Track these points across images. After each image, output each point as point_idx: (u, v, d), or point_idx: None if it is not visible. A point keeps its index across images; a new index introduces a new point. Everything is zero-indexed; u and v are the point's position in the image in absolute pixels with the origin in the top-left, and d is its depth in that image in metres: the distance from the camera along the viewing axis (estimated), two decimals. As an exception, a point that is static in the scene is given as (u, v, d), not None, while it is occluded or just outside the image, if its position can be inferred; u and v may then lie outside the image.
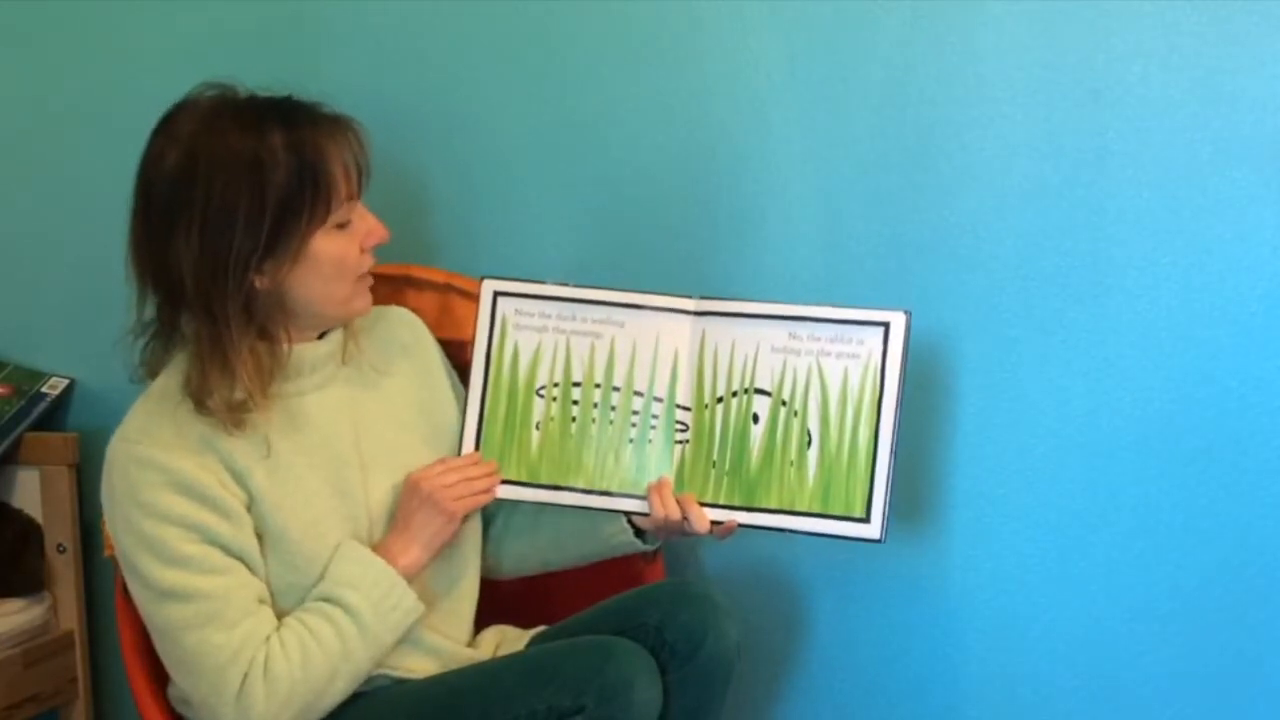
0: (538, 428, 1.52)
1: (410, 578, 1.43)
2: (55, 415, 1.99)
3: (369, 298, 1.46)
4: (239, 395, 1.37)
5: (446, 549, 1.49)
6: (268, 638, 1.37)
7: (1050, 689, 1.71)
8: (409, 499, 1.46)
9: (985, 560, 1.72)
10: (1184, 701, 1.67)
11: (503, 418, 1.52)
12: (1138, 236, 1.62)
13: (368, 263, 1.43)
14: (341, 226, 1.40)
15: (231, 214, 1.33)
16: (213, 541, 1.37)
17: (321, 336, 1.47)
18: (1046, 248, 1.65)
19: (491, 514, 1.60)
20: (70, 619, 1.95)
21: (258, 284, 1.37)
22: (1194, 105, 1.59)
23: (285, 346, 1.42)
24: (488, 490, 1.50)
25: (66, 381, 1.99)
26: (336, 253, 1.39)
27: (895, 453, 1.47)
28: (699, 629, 1.42)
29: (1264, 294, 1.60)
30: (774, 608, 1.79)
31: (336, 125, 1.40)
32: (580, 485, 1.51)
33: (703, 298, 1.53)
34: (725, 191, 1.74)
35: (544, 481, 1.52)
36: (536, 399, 1.52)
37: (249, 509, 1.40)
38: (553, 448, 1.52)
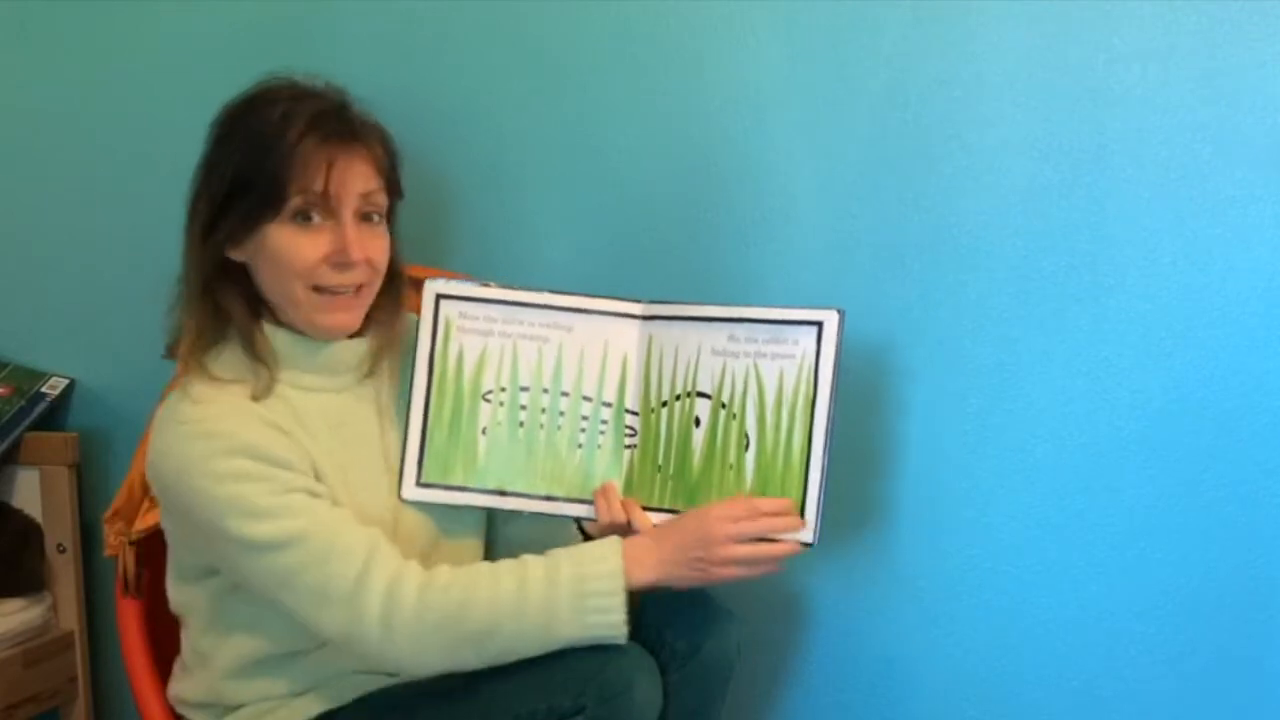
0: (484, 432, 1.49)
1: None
2: (55, 415, 1.99)
3: (341, 317, 1.41)
4: (209, 356, 1.40)
5: (450, 551, 1.49)
6: (403, 560, 1.35)
7: (1050, 689, 1.71)
8: (695, 528, 1.37)
9: (985, 559, 1.72)
10: (1184, 701, 1.67)
11: (448, 422, 1.49)
12: (1138, 236, 1.62)
13: (334, 278, 1.38)
14: (303, 226, 1.37)
15: (209, 177, 1.39)
16: (291, 489, 1.35)
17: (353, 337, 1.46)
18: (1046, 248, 1.65)
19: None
20: (70, 619, 1.95)
21: (230, 253, 1.40)
22: (1194, 105, 1.59)
23: (246, 324, 1.40)
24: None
25: (66, 381, 1.99)
26: (284, 248, 1.37)
27: (829, 454, 1.42)
28: (699, 629, 1.42)
29: (1264, 294, 1.60)
30: (774, 608, 1.79)
31: (327, 131, 1.37)
32: (527, 490, 1.49)
33: (650, 302, 1.51)
34: (725, 192, 1.74)
35: (491, 487, 1.49)
36: (483, 403, 1.50)
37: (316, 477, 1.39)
38: (500, 452, 1.49)
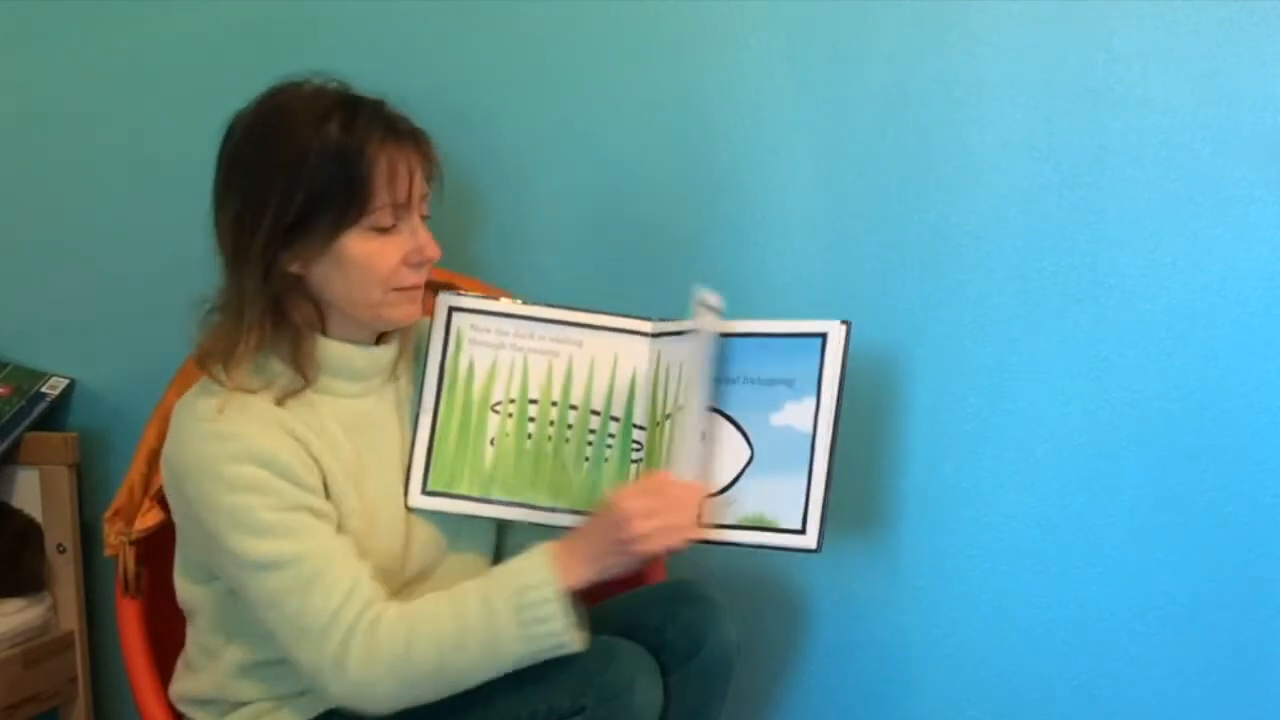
0: (492, 444, 1.49)
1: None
2: (55, 415, 1.99)
3: (412, 309, 1.43)
4: (244, 367, 1.38)
5: (458, 563, 1.49)
6: (370, 601, 1.34)
7: (1050, 689, 1.71)
8: (608, 512, 1.36)
9: (985, 560, 1.72)
10: (1184, 701, 1.67)
11: (456, 432, 1.49)
12: (1138, 236, 1.62)
13: (412, 277, 1.40)
14: (382, 232, 1.37)
15: (268, 194, 1.35)
16: (296, 507, 1.35)
17: (378, 342, 1.46)
18: (1046, 248, 1.65)
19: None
20: (70, 619, 1.95)
21: (290, 267, 1.37)
22: (1194, 105, 1.59)
23: (306, 334, 1.40)
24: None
25: (66, 381, 1.99)
26: (366, 256, 1.37)
27: (833, 462, 1.40)
28: (699, 629, 1.42)
29: (1264, 294, 1.60)
30: (774, 608, 1.79)
31: (399, 136, 1.38)
32: (533, 502, 1.49)
33: (660, 320, 1.51)
34: (725, 192, 1.74)
35: (496, 497, 1.49)
36: (491, 415, 1.50)
37: (326, 493, 1.39)
38: (507, 464, 1.49)
